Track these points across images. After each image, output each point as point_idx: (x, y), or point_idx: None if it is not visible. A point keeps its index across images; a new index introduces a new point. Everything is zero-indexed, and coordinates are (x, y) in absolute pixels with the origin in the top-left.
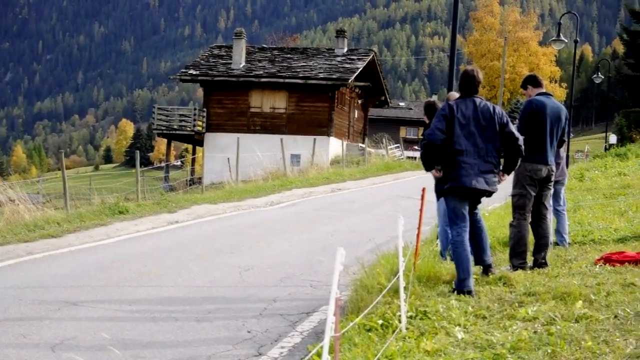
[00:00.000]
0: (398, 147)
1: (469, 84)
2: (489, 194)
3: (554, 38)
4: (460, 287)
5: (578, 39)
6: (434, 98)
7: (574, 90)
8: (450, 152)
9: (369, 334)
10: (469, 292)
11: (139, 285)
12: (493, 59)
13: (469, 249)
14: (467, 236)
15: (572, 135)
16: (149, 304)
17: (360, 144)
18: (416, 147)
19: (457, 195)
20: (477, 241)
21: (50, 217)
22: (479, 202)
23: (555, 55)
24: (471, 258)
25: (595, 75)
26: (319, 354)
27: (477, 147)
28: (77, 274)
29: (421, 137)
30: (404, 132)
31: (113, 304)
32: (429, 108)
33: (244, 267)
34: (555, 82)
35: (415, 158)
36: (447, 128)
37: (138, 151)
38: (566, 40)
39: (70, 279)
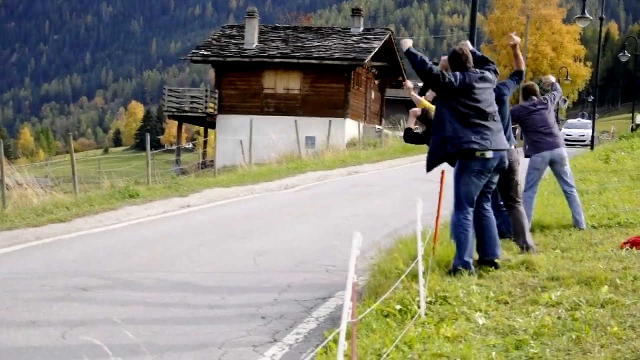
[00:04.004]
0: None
1: (460, 62)
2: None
3: (578, 15)
4: (465, 266)
5: (604, 16)
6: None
7: (599, 70)
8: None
9: (387, 319)
10: (469, 268)
11: (150, 271)
12: None
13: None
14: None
15: (597, 115)
16: (160, 289)
17: (377, 126)
18: None
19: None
20: (490, 232)
21: (59, 201)
22: (493, 184)
23: (580, 33)
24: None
25: (621, 54)
26: (335, 340)
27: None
28: (87, 259)
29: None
30: None
31: (123, 290)
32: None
33: (257, 252)
34: (580, 61)
35: None
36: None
37: (148, 134)
38: (591, 18)
39: (80, 264)
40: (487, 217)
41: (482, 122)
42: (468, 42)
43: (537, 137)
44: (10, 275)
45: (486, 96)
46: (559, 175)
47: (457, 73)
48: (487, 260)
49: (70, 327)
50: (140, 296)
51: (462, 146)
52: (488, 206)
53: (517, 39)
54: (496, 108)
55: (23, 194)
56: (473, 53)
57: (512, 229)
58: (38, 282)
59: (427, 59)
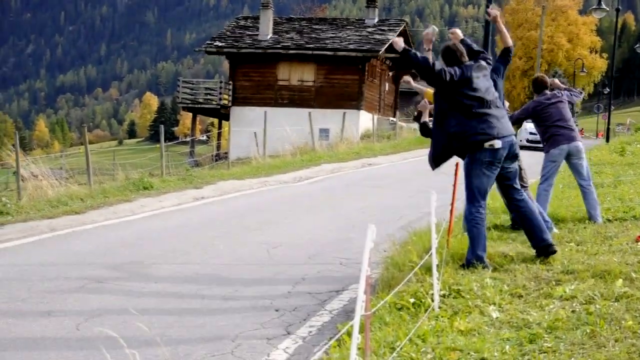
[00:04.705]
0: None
1: (455, 57)
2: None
3: (594, 7)
4: (479, 260)
5: (620, 7)
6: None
7: (615, 61)
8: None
9: (401, 312)
10: (482, 262)
11: (165, 263)
12: (530, 28)
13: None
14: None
15: (612, 107)
16: (174, 281)
17: (392, 118)
18: None
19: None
20: (532, 221)
21: (74, 193)
22: (514, 173)
23: (596, 25)
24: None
25: (637, 45)
26: (349, 333)
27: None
28: (101, 251)
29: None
30: None
31: (138, 282)
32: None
33: (271, 244)
34: (596, 52)
35: None
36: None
37: (162, 125)
38: (607, 9)
39: (94, 256)
40: (523, 206)
41: (486, 111)
42: (458, 30)
43: (554, 131)
44: (25, 266)
45: (484, 84)
46: (576, 169)
47: (456, 68)
48: (540, 248)
49: (85, 318)
50: (155, 288)
51: (469, 139)
52: (520, 195)
53: (495, 12)
54: (497, 95)
55: (38, 186)
56: (463, 41)
57: None
58: (53, 273)
59: (426, 56)
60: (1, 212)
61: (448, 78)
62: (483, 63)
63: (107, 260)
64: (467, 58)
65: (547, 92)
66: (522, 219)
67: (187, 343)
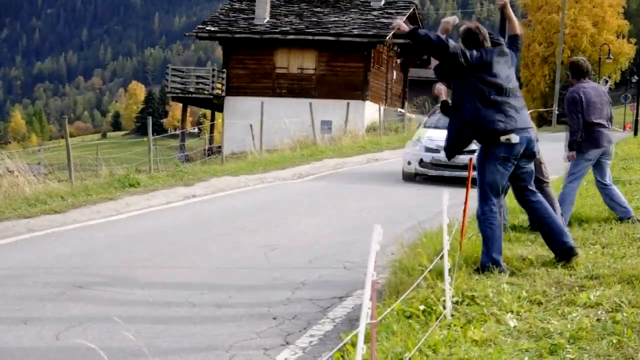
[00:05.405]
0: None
1: (477, 41)
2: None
3: None
4: (494, 263)
5: None
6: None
7: None
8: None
9: (409, 321)
10: (499, 265)
11: (152, 267)
12: (551, 11)
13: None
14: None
15: None
16: (163, 287)
17: (400, 109)
18: None
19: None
20: (549, 223)
21: (53, 190)
22: (530, 175)
23: (624, 7)
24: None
25: None
26: (353, 344)
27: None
28: (83, 254)
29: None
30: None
31: (123, 287)
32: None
33: (269, 247)
34: (623, 37)
35: None
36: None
37: (150, 117)
38: None
39: (76, 259)
40: (539, 208)
41: (504, 99)
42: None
43: (596, 129)
44: (0, 270)
45: (505, 71)
46: (602, 168)
47: (474, 50)
48: (561, 252)
49: (66, 327)
50: (142, 294)
51: (486, 127)
52: (535, 197)
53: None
54: (517, 84)
55: (14, 182)
56: None
57: None
58: (30, 278)
59: (437, 34)
60: None
61: (463, 60)
62: (505, 48)
63: (89, 264)
64: (489, 43)
65: (589, 80)
66: (539, 222)
67: (177, 354)
